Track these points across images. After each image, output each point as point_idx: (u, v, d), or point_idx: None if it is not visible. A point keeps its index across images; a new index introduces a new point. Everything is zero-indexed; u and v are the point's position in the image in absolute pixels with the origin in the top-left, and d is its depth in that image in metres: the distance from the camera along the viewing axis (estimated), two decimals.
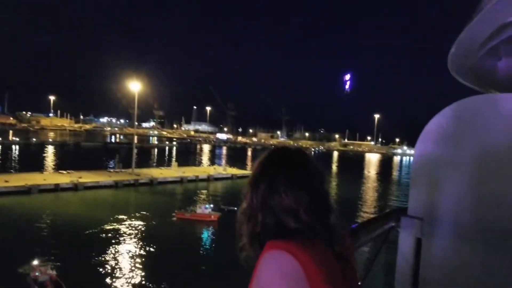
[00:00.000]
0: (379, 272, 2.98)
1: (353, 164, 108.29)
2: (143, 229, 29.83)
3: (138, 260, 23.52)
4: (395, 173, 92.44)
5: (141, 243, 26.64)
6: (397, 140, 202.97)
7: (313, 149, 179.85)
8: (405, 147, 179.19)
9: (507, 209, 2.66)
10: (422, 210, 3.00)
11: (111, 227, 29.59)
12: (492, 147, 2.75)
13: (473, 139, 2.84)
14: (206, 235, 30.78)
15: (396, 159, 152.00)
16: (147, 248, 25.57)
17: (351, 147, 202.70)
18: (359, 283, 1.35)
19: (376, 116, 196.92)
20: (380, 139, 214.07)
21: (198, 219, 33.25)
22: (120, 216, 32.36)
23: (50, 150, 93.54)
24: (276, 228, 1.24)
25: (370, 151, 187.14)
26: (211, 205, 35.50)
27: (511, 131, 2.68)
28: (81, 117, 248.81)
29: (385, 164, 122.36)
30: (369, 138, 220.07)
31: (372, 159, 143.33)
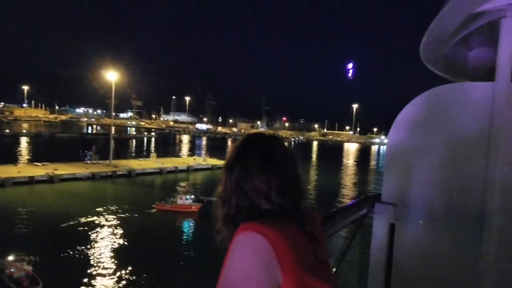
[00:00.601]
0: (355, 257, 3.08)
1: (332, 154, 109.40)
2: (122, 221, 29.51)
3: (117, 253, 23.26)
4: (372, 162, 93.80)
5: (120, 235, 26.35)
6: (375, 129, 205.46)
7: (293, 139, 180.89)
8: (382, 137, 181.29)
9: (474, 194, 2.78)
10: (395, 196, 3.07)
11: (89, 220, 29.17)
12: (461, 134, 2.85)
13: (443, 127, 2.94)
14: (187, 226, 30.65)
15: (374, 148, 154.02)
16: (127, 241, 25.31)
17: (330, 137, 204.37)
18: (334, 270, 1.42)
19: (355, 106, 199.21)
20: (358, 129, 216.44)
21: (179, 210, 33.10)
22: (98, 209, 31.92)
23: (24, 141, 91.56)
24: (249, 210, 1.29)
25: (348, 141, 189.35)
26: (192, 196, 35.32)
27: (480, 119, 2.77)
28: (57, 107, 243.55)
29: (363, 153, 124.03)
30: (347, 128, 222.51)
31: (351, 149, 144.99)
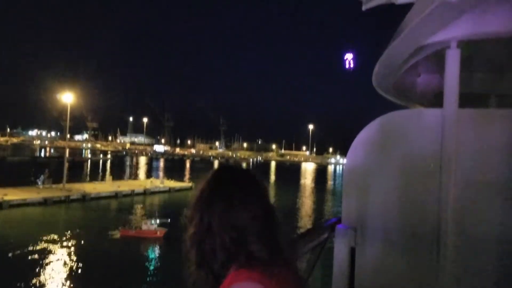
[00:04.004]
0: (317, 283, 3.06)
1: (290, 174, 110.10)
2: (77, 249, 28.36)
3: (73, 282, 22.35)
4: (330, 182, 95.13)
5: (76, 264, 25.28)
6: (331, 149, 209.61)
7: (251, 160, 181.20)
8: (338, 157, 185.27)
9: (429, 215, 2.90)
10: (355, 219, 3.15)
11: (41, 247, 27.86)
12: (415, 157, 2.99)
13: (398, 150, 3.07)
14: (152, 253, 29.77)
15: (330, 168, 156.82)
16: (84, 270, 24.37)
17: (288, 157, 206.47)
18: None
19: (310, 126, 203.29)
20: (314, 149, 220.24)
21: (144, 236, 32.11)
22: (51, 236, 30.51)
23: None
24: (233, 252, 1.19)
25: (306, 161, 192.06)
26: (157, 221, 34.22)
27: (431, 142, 2.92)
28: (8, 130, 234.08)
29: (321, 173, 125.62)
30: (304, 148, 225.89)
31: (308, 169, 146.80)
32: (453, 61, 2.86)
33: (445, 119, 2.87)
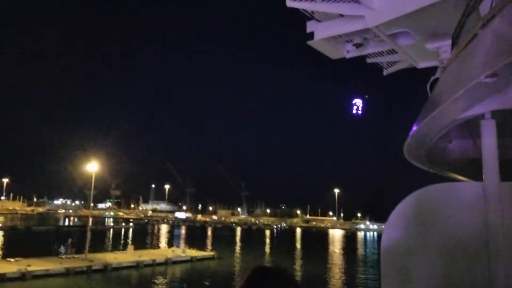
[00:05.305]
0: None
1: (317, 241, 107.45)
2: None
3: None
4: (360, 250, 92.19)
5: None
6: (359, 215, 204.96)
7: (275, 226, 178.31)
8: (367, 222, 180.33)
9: None
10: None
11: None
12: (458, 235, 2.79)
13: (439, 228, 2.88)
14: None
15: (360, 234, 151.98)
16: None
17: (314, 223, 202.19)
18: None
19: (336, 190, 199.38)
20: (342, 214, 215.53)
21: None
22: None
23: None
24: None
25: (333, 227, 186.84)
26: None
27: (475, 220, 2.73)
28: (35, 199, 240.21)
29: (350, 240, 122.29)
30: (330, 213, 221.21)
31: (336, 235, 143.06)
32: (488, 132, 2.76)
33: (486, 194, 2.70)
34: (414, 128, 3.34)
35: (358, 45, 7.72)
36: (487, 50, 2.52)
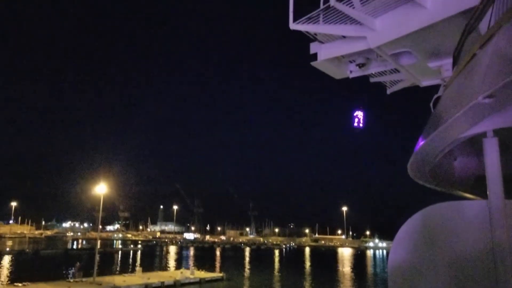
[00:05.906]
0: None
1: (326, 260, 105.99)
2: None
3: None
4: (370, 269, 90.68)
5: None
6: (368, 233, 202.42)
7: (284, 246, 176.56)
8: (376, 240, 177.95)
9: None
10: None
11: None
12: (465, 253, 2.77)
13: (446, 246, 2.88)
14: None
15: (369, 252, 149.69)
16: None
17: (323, 242, 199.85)
18: None
19: (344, 208, 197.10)
20: (350, 232, 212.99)
21: None
22: None
23: (6, 260, 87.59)
24: None
25: (342, 246, 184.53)
26: None
27: (481, 238, 2.73)
28: (43, 222, 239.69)
29: (359, 258, 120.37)
30: (339, 231, 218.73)
31: (345, 254, 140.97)
32: (491, 150, 2.75)
33: (491, 212, 2.68)
34: (418, 145, 3.33)
35: (361, 65, 7.80)
36: (485, 71, 2.52)
